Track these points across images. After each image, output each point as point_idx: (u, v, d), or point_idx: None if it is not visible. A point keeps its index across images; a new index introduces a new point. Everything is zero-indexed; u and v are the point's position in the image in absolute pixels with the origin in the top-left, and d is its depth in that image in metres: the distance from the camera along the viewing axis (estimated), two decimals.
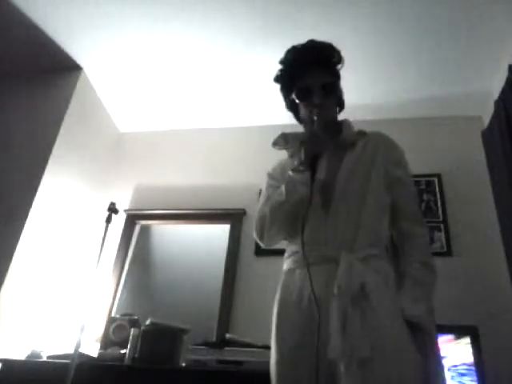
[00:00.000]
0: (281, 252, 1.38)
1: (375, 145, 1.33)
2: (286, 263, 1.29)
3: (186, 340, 2.09)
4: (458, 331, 2.14)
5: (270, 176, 1.45)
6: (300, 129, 1.45)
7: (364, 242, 1.18)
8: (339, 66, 1.36)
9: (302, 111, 1.35)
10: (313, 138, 1.21)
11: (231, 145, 3.20)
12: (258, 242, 1.35)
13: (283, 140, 1.41)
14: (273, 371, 1.16)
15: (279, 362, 1.14)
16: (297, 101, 1.34)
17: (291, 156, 1.40)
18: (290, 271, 1.25)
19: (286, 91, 1.39)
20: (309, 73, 1.31)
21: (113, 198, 2.21)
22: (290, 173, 1.23)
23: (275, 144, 1.42)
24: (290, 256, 1.28)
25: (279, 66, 1.40)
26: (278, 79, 1.41)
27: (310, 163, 1.17)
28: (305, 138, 1.36)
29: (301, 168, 1.20)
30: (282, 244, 1.39)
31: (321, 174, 1.21)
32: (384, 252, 1.24)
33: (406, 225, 1.27)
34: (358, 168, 1.26)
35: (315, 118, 1.24)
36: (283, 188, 1.25)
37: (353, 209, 1.21)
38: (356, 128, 1.41)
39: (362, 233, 1.19)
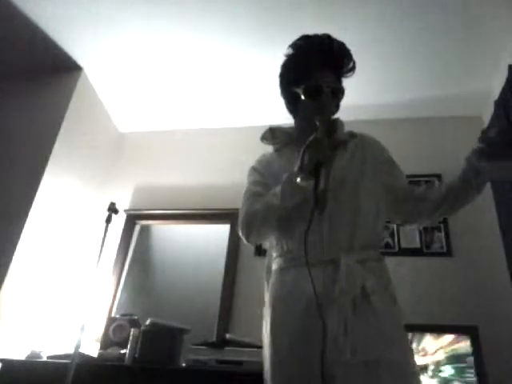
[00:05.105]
0: None
1: (365, 146, 1.32)
2: (277, 262, 1.25)
3: (185, 340, 2.09)
4: (458, 331, 2.14)
5: (255, 170, 1.38)
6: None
7: (361, 244, 1.17)
8: (349, 75, 1.32)
9: (304, 108, 1.30)
10: (316, 144, 1.14)
11: (231, 145, 3.20)
12: (243, 238, 1.28)
13: (270, 135, 1.41)
14: (270, 370, 1.12)
15: (278, 361, 1.11)
16: (302, 97, 1.28)
17: (277, 151, 1.39)
18: (283, 270, 1.22)
19: (291, 82, 1.32)
20: (322, 72, 1.26)
21: (113, 198, 2.21)
22: (298, 180, 1.14)
23: (263, 138, 1.43)
24: (281, 255, 1.25)
25: (287, 52, 1.34)
26: (287, 66, 1.34)
27: (314, 170, 1.10)
28: (293, 133, 1.36)
29: (303, 175, 1.12)
30: None
31: (323, 182, 1.14)
32: (379, 254, 1.23)
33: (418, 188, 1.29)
34: (351, 168, 1.25)
35: (317, 123, 1.19)
36: (278, 191, 1.19)
37: (348, 210, 1.19)
38: (352, 128, 1.39)
39: (359, 234, 1.17)
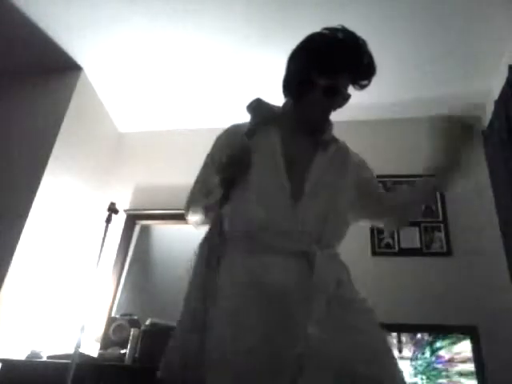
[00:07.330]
0: None
1: (344, 151, 1.35)
2: (236, 245, 1.17)
3: None
4: (458, 331, 2.14)
5: (215, 153, 1.45)
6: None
7: (329, 239, 1.17)
8: (360, 89, 1.32)
9: (311, 97, 1.25)
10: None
11: None
12: (186, 213, 1.42)
13: (257, 105, 1.37)
14: (224, 359, 1.03)
15: (241, 352, 1.02)
16: (318, 91, 1.23)
17: (253, 126, 1.35)
18: (247, 254, 1.13)
19: (314, 66, 1.23)
20: (345, 75, 1.25)
21: (113, 198, 2.22)
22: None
23: (249, 107, 1.41)
24: (242, 237, 1.17)
25: (323, 31, 1.28)
26: (319, 48, 1.26)
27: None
28: (279, 112, 1.35)
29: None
30: None
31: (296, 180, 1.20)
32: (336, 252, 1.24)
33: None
34: (331, 168, 1.26)
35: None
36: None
37: (322, 204, 1.18)
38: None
39: (329, 229, 1.16)
